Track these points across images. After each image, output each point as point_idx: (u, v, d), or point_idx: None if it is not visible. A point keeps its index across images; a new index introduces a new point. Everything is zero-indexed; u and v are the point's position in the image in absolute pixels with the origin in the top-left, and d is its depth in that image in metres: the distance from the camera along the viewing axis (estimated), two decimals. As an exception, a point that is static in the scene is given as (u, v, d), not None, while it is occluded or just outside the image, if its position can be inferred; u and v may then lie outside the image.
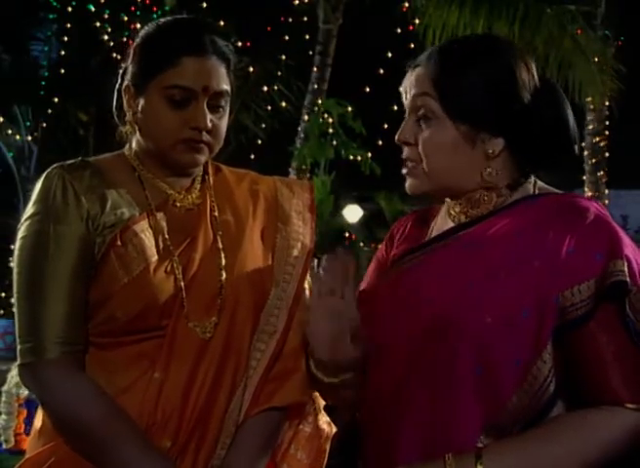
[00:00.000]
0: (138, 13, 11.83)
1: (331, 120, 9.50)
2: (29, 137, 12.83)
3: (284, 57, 12.35)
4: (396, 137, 1.48)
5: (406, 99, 1.48)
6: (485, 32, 8.28)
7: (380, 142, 10.69)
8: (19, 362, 1.54)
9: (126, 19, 11.75)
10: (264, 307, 1.63)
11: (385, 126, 11.23)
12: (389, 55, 11.64)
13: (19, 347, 1.53)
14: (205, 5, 11.39)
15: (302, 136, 10.34)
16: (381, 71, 11.73)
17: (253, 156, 11.25)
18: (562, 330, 1.34)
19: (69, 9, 12.20)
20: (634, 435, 1.31)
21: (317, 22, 10.76)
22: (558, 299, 1.33)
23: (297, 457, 1.70)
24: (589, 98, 10.34)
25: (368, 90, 11.43)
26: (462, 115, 1.41)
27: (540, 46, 9.35)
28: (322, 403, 1.73)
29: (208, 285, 1.59)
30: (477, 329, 1.34)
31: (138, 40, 1.63)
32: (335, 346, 1.43)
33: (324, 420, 1.73)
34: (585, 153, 11.07)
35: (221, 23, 9.27)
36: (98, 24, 11.90)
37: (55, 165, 1.59)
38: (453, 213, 1.51)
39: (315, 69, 10.67)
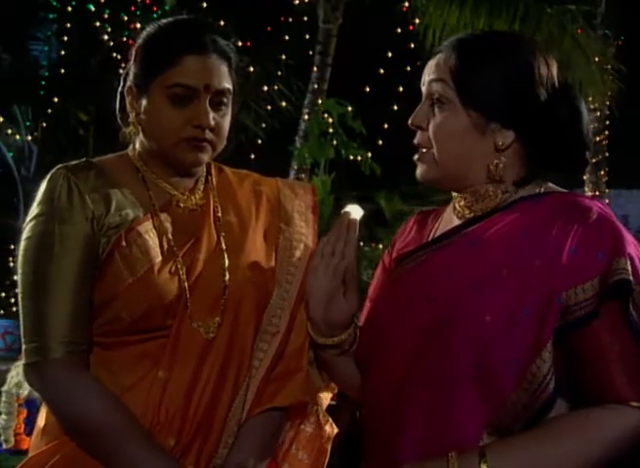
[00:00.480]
0: (138, 13, 11.83)
1: (331, 120, 9.48)
2: (29, 137, 12.83)
3: (284, 56, 12.34)
4: (409, 121, 1.50)
5: (423, 85, 1.49)
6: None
7: (380, 142, 10.69)
8: (23, 361, 1.55)
9: (126, 18, 11.74)
10: (268, 307, 1.64)
11: (385, 126, 11.23)
12: (389, 54, 11.65)
13: (23, 347, 1.55)
14: (205, 5, 11.38)
15: (302, 135, 10.33)
16: (381, 71, 11.73)
17: (253, 156, 11.24)
18: (565, 329, 1.34)
19: (69, 9, 12.19)
20: (638, 433, 1.31)
21: (317, 22, 10.75)
22: (561, 299, 1.33)
23: (298, 457, 1.70)
24: (589, 98, 10.34)
25: (368, 90, 11.42)
26: (474, 102, 1.43)
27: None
28: (324, 403, 1.73)
29: (211, 285, 1.60)
30: (477, 327, 1.35)
31: (139, 41, 1.64)
32: (330, 304, 1.45)
33: (325, 421, 1.74)
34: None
35: (221, 23, 9.27)
36: (98, 24, 11.90)
37: (59, 165, 1.60)
38: (457, 207, 1.52)
39: (315, 69, 10.66)
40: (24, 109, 12.71)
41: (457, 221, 1.52)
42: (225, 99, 1.61)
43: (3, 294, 11.21)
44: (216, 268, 1.62)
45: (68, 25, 12.44)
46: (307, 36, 11.61)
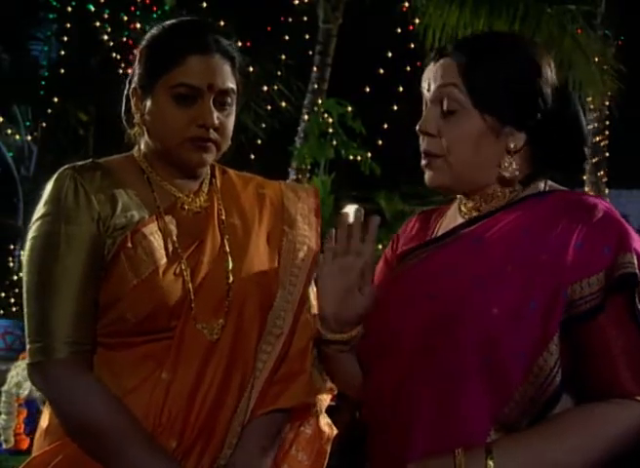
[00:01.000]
0: (137, 13, 11.83)
1: (331, 120, 9.48)
2: (29, 137, 12.83)
3: (284, 56, 12.34)
4: (418, 127, 1.49)
5: (428, 91, 1.48)
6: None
7: (380, 142, 10.68)
8: (27, 361, 1.56)
9: (126, 18, 11.74)
10: (272, 309, 1.64)
11: (385, 126, 11.23)
12: (389, 54, 11.65)
13: (28, 346, 1.55)
14: (205, 5, 11.39)
15: (302, 135, 10.33)
16: (381, 71, 11.73)
17: (253, 156, 11.24)
18: (571, 322, 1.34)
19: (69, 9, 12.19)
20: None
21: (317, 22, 10.75)
22: (567, 292, 1.34)
23: (297, 458, 1.70)
24: (589, 98, 10.34)
25: (368, 90, 11.42)
26: (491, 107, 1.42)
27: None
28: (324, 405, 1.74)
29: (215, 287, 1.61)
30: (484, 321, 1.35)
31: (143, 42, 1.64)
32: (344, 300, 1.45)
33: (325, 422, 1.74)
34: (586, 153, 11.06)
35: (221, 23, 9.28)
36: (97, 24, 11.90)
37: (66, 166, 1.60)
38: (464, 209, 1.51)
39: (315, 69, 10.66)
40: (24, 109, 12.72)
41: (460, 220, 1.52)
42: (229, 99, 1.61)
43: (3, 294, 11.22)
44: (220, 270, 1.62)
45: (68, 25, 12.44)
46: (307, 36, 11.61)
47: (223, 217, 1.68)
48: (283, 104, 12.46)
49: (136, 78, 1.64)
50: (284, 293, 1.67)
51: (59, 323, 1.52)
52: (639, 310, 1.33)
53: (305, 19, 11.68)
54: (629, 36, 11.14)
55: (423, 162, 1.50)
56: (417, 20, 10.03)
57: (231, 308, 1.61)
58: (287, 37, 12.20)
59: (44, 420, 1.63)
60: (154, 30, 1.65)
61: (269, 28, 12.21)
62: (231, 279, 1.62)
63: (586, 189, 10.92)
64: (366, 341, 1.51)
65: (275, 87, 12.49)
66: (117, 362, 1.58)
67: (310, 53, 10.98)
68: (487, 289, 1.38)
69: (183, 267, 1.59)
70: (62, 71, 12.42)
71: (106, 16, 11.87)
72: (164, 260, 1.57)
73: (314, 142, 9.51)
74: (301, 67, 11.49)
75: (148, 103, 1.60)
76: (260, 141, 12.44)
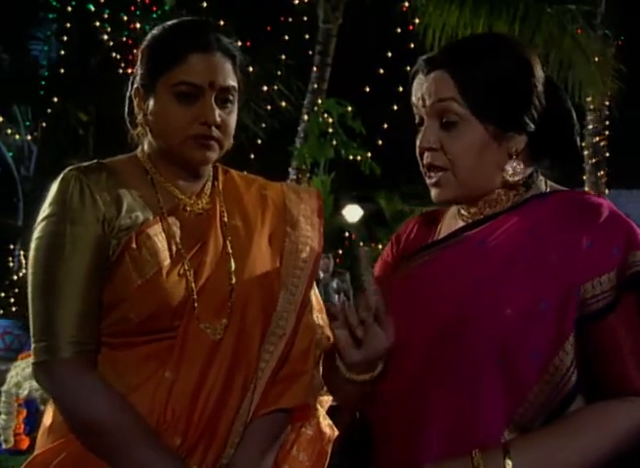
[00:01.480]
0: (137, 12, 11.84)
1: (331, 120, 9.50)
2: (29, 137, 12.85)
3: (284, 56, 12.35)
4: (419, 145, 1.47)
5: (424, 106, 1.46)
6: (485, 32, 8.29)
7: (380, 142, 10.70)
8: (32, 360, 1.55)
9: (126, 18, 11.76)
10: (275, 310, 1.64)
11: (385, 126, 11.24)
12: (389, 54, 11.66)
13: (32, 346, 1.55)
14: (205, 5, 11.40)
15: (302, 135, 10.34)
16: (381, 71, 11.74)
17: (253, 156, 11.25)
18: (582, 322, 1.34)
19: (69, 8, 12.21)
20: None
21: (317, 22, 10.76)
22: (579, 292, 1.34)
23: (298, 459, 1.70)
24: (589, 98, 10.35)
25: (368, 90, 11.43)
26: (491, 115, 1.41)
27: (541, 46, 9.35)
28: (325, 406, 1.73)
29: (218, 288, 1.60)
30: (497, 322, 1.35)
31: (144, 42, 1.64)
32: (364, 346, 1.42)
33: (326, 423, 1.74)
34: (585, 153, 11.08)
35: (221, 23, 9.28)
36: (97, 24, 11.91)
37: (71, 167, 1.60)
38: (466, 214, 1.50)
39: (315, 69, 10.67)
40: (24, 109, 12.74)
41: (461, 223, 1.52)
42: (231, 97, 1.61)
43: (3, 294, 11.22)
44: (222, 271, 1.62)
45: (68, 25, 12.46)
46: (307, 36, 11.62)
47: (226, 219, 1.68)
48: (283, 104, 12.47)
49: (138, 78, 1.64)
50: (286, 294, 1.67)
51: (63, 322, 1.52)
52: None
53: (305, 18, 11.69)
54: (629, 36, 11.14)
55: (430, 180, 1.48)
56: (417, 20, 10.05)
57: (234, 309, 1.61)
58: (287, 37, 12.22)
59: (47, 418, 1.63)
60: (155, 30, 1.65)
61: (269, 28, 12.23)
62: (234, 280, 1.62)
63: (586, 189, 10.92)
64: (391, 329, 1.50)
65: (275, 87, 12.51)
66: (121, 361, 1.58)
67: (310, 53, 11.00)
68: (497, 290, 1.37)
69: (187, 268, 1.59)
70: (62, 71, 12.44)
71: (106, 15, 11.89)
72: (168, 261, 1.57)
73: (314, 142, 9.53)
74: (301, 67, 11.51)
75: (151, 103, 1.60)
76: (259, 141, 12.45)
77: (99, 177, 1.58)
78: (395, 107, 11.13)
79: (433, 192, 1.48)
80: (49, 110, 12.40)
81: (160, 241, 1.57)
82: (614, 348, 1.33)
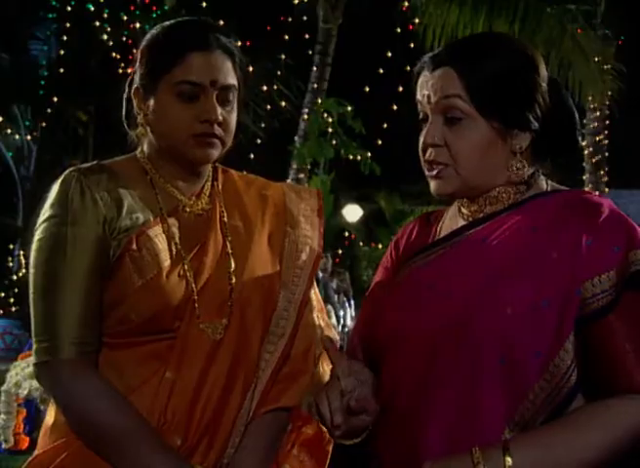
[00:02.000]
0: (137, 12, 11.84)
1: (330, 119, 9.50)
2: (29, 137, 12.85)
3: (284, 56, 12.36)
4: (422, 140, 1.46)
5: (429, 102, 1.45)
6: (486, 31, 8.29)
7: (380, 142, 10.70)
8: (34, 361, 1.56)
9: (125, 18, 11.76)
10: (276, 310, 1.64)
11: (385, 126, 11.24)
12: (389, 54, 11.66)
13: (34, 346, 1.55)
14: (205, 4, 11.40)
15: (302, 135, 10.34)
16: (381, 71, 11.74)
17: (253, 156, 11.25)
18: (583, 321, 1.34)
19: (69, 8, 12.21)
20: None
21: (317, 22, 10.76)
22: (580, 290, 1.34)
23: (299, 458, 1.70)
24: (590, 98, 10.36)
25: (368, 90, 11.43)
26: (496, 113, 1.42)
27: (541, 45, 9.34)
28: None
29: (218, 289, 1.61)
30: (498, 321, 1.35)
31: (143, 43, 1.64)
32: (350, 419, 1.41)
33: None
34: (586, 153, 11.09)
35: (221, 23, 9.28)
36: (97, 24, 11.91)
37: (72, 168, 1.60)
38: (466, 212, 1.50)
39: (315, 69, 10.67)
40: (24, 109, 12.73)
41: (462, 222, 1.52)
42: (231, 95, 1.62)
43: (2, 294, 11.24)
44: (222, 272, 1.62)
45: (68, 25, 12.46)
46: (307, 36, 11.62)
47: (225, 219, 1.68)
48: (283, 104, 12.47)
49: (137, 78, 1.64)
50: (286, 294, 1.66)
51: (65, 323, 1.52)
52: None
53: (305, 18, 11.68)
54: (629, 36, 11.14)
55: (431, 173, 1.48)
56: (417, 20, 10.05)
57: (234, 309, 1.61)
58: (287, 37, 12.22)
59: (49, 418, 1.63)
60: (154, 30, 1.65)
61: (269, 28, 12.23)
62: (234, 280, 1.62)
63: (586, 189, 10.92)
64: (377, 345, 1.51)
65: (275, 87, 12.51)
66: (121, 361, 1.58)
67: (310, 52, 10.99)
68: (499, 288, 1.37)
69: (187, 269, 1.59)
70: (62, 71, 12.44)
71: (106, 15, 11.89)
72: (168, 262, 1.57)
73: (314, 142, 9.53)
74: (301, 67, 11.51)
75: (151, 103, 1.60)
76: (259, 141, 12.45)
77: (99, 179, 1.58)
78: (395, 107, 11.14)
79: (433, 185, 1.47)
80: (49, 110, 12.40)
81: (160, 242, 1.58)
82: (615, 346, 1.33)
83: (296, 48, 12.02)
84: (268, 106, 12.55)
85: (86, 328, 1.53)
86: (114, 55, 11.22)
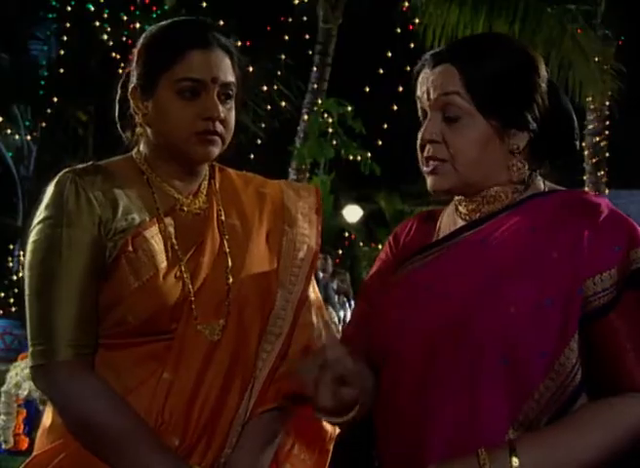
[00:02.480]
0: (137, 12, 11.85)
1: (331, 120, 9.50)
2: (28, 137, 12.84)
3: (284, 56, 12.35)
4: (421, 136, 1.47)
5: (428, 99, 1.46)
6: (486, 31, 8.28)
7: (380, 142, 10.70)
8: (30, 363, 1.55)
9: (125, 18, 11.76)
10: (273, 309, 1.64)
11: (385, 126, 11.24)
12: (389, 54, 11.66)
13: (30, 349, 1.55)
14: (205, 4, 11.40)
15: (302, 135, 10.33)
16: (381, 71, 11.74)
17: (253, 156, 11.25)
18: (585, 320, 1.34)
19: (69, 8, 12.21)
20: None
21: (317, 22, 10.76)
22: (582, 289, 1.34)
23: (300, 458, 1.70)
24: (589, 98, 10.36)
25: (368, 90, 11.43)
26: (495, 111, 1.42)
27: (541, 45, 9.34)
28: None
29: (216, 289, 1.60)
30: (501, 322, 1.35)
31: (141, 41, 1.64)
32: (337, 390, 1.41)
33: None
34: (585, 153, 11.09)
35: (221, 23, 9.27)
36: (97, 24, 11.91)
37: (67, 169, 1.60)
38: (464, 211, 1.50)
39: (315, 69, 10.66)
40: (24, 109, 12.73)
41: (460, 222, 1.52)
42: (231, 93, 1.62)
43: (2, 295, 11.23)
44: (219, 272, 1.62)
45: (68, 25, 12.45)
46: (307, 36, 11.61)
47: (223, 218, 1.68)
48: (283, 104, 12.47)
49: (134, 78, 1.63)
50: (284, 293, 1.66)
51: (61, 325, 1.52)
52: None
53: (305, 18, 11.68)
54: (629, 36, 11.14)
55: (428, 168, 1.48)
56: (417, 20, 10.04)
57: (231, 308, 1.61)
58: (287, 37, 12.21)
59: (46, 419, 1.63)
60: (152, 29, 1.65)
61: (269, 28, 12.23)
62: (231, 279, 1.62)
63: (586, 189, 10.92)
64: (376, 346, 1.50)
65: (275, 87, 12.51)
66: (118, 362, 1.57)
67: (310, 53, 10.99)
68: (501, 288, 1.37)
69: (183, 270, 1.58)
70: (62, 71, 12.43)
71: (106, 15, 11.89)
72: (164, 263, 1.57)
73: (314, 142, 9.53)
74: (301, 67, 11.50)
75: (151, 102, 1.60)
76: (259, 141, 12.45)
77: (94, 179, 1.57)
78: (395, 107, 11.14)
79: (429, 181, 1.47)
80: (48, 110, 12.40)
81: (157, 243, 1.57)
82: (616, 345, 1.33)
83: (296, 48, 12.01)
84: (268, 106, 12.54)
85: (82, 329, 1.52)
86: (114, 55, 11.21)
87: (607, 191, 11.26)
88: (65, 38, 12.52)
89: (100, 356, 1.56)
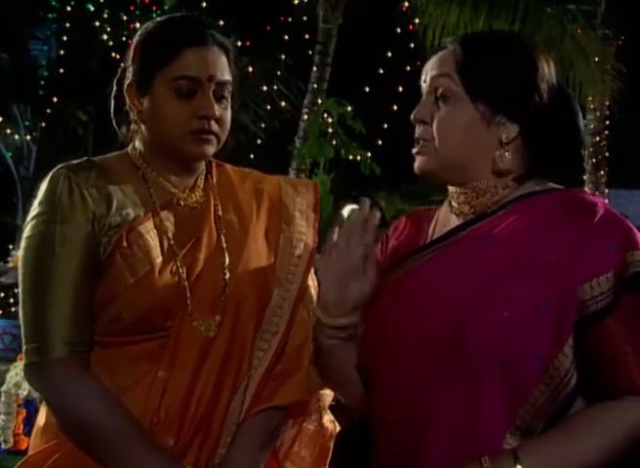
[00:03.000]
0: (137, 12, 11.82)
1: (330, 120, 9.48)
2: (28, 137, 12.82)
3: (283, 56, 12.33)
4: (412, 116, 1.50)
5: (424, 81, 1.50)
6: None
7: (380, 142, 10.68)
8: (24, 362, 1.55)
9: (125, 18, 11.74)
10: (268, 307, 1.64)
11: (385, 126, 11.22)
12: (389, 54, 11.64)
13: (24, 347, 1.55)
14: (205, 4, 11.38)
15: (302, 135, 10.32)
16: (381, 71, 11.73)
17: (252, 156, 11.23)
18: (582, 324, 1.34)
19: (68, 8, 12.19)
20: None
21: (317, 22, 10.74)
22: (578, 293, 1.34)
23: (300, 455, 1.70)
24: (589, 98, 10.35)
25: (368, 90, 11.41)
26: (482, 93, 1.43)
27: (541, 45, 9.30)
28: (327, 401, 1.73)
29: (212, 284, 1.60)
30: (497, 324, 1.34)
31: (137, 38, 1.64)
32: (344, 285, 1.43)
33: (328, 418, 1.74)
34: (585, 153, 11.05)
35: (221, 23, 9.27)
36: (97, 24, 11.89)
37: (60, 165, 1.59)
38: (455, 204, 1.51)
39: (315, 69, 10.64)
40: (23, 109, 12.71)
41: (455, 221, 1.51)
42: (227, 92, 1.62)
43: (2, 294, 11.21)
44: (216, 267, 1.62)
45: (68, 25, 12.43)
46: (307, 36, 11.59)
47: (220, 213, 1.68)
48: (283, 104, 12.45)
49: (130, 75, 1.63)
50: (281, 291, 1.66)
51: (54, 323, 1.52)
52: None
53: (305, 18, 11.66)
54: (629, 36, 11.13)
55: (415, 149, 1.51)
56: (417, 20, 10.03)
57: (228, 305, 1.61)
58: (287, 37, 12.19)
59: (41, 418, 1.63)
60: (147, 26, 1.65)
61: (269, 28, 12.21)
62: (227, 275, 1.62)
63: (586, 189, 10.92)
64: (372, 348, 1.50)
65: (275, 87, 12.49)
66: (113, 360, 1.57)
67: (310, 52, 10.97)
68: (495, 291, 1.37)
69: (179, 265, 1.58)
70: (62, 71, 12.41)
71: (106, 15, 11.87)
72: (160, 259, 1.57)
73: (314, 142, 9.50)
74: (301, 67, 11.48)
75: (147, 99, 1.60)
76: (259, 141, 12.43)
77: (88, 175, 1.57)
78: (395, 107, 11.11)
79: (416, 161, 1.50)
80: (48, 110, 12.37)
81: (152, 238, 1.57)
82: (615, 349, 1.33)
83: (296, 48, 11.99)
84: (268, 106, 12.52)
85: (76, 327, 1.52)
86: (114, 55, 11.20)
87: (607, 191, 11.25)
88: (65, 38, 12.50)
89: (95, 354, 1.56)
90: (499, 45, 1.47)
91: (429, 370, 1.39)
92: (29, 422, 5.42)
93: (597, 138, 11.10)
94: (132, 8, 11.81)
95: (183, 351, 1.57)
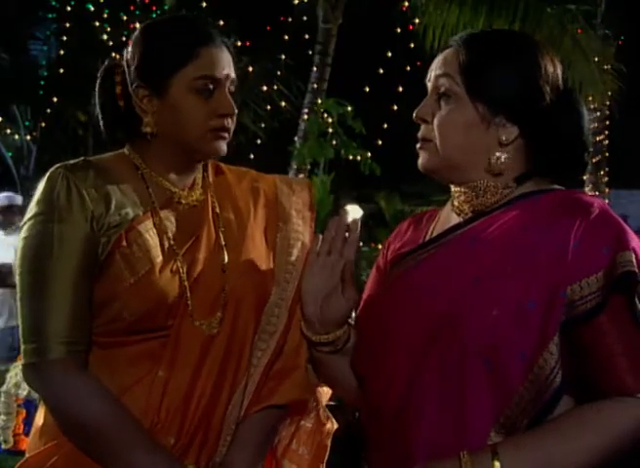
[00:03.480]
0: (137, 12, 11.82)
1: (330, 120, 9.47)
2: (28, 137, 12.82)
3: (283, 56, 12.33)
4: (414, 114, 1.51)
5: (429, 80, 1.51)
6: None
7: (380, 142, 10.67)
8: (22, 362, 1.54)
9: (125, 18, 11.74)
10: (266, 306, 1.64)
11: (385, 126, 11.22)
12: (389, 54, 11.64)
13: (22, 347, 1.54)
14: (205, 4, 11.38)
15: (302, 135, 10.32)
16: (381, 71, 11.72)
17: (252, 156, 11.23)
18: (571, 323, 1.34)
19: (68, 8, 12.19)
20: None
21: (317, 22, 10.74)
22: (566, 293, 1.34)
23: (298, 452, 1.71)
24: (590, 98, 10.34)
25: (368, 90, 11.41)
26: (482, 94, 1.43)
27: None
28: (324, 399, 1.74)
29: (211, 283, 1.61)
30: (484, 322, 1.35)
31: (142, 41, 1.62)
32: (326, 301, 1.46)
33: (325, 416, 1.74)
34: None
35: (221, 23, 9.27)
36: (97, 24, 11.89)
37: (58, 165, 1.59)
38: (456, 203, 1.51)
39: (315, 69, 10.64)
40: (23, 109, 12.71)
41: (455, 220, 1.52)
42: (234, 89, 1.64)
43: (2, 294, 11.20)
44: (215, 266, 1.62)
45: (68, 25, 12.43)
46: (307, 36, 11.59)
47: (218, 211, 1.68)
48: (283, 104, 12.45)
49: (135, 77, 1.62)
50: (279, 290, 1.67)
51: (53, 323, 1.51)
52: (639, 308, 1.33)
53: (305, 18, 11.66)
54: (629, 36, 11.13)
55: (418, 145, 1.51)
56: (416, 20, 10.03)
57: (228, 302, 1.61)
58: (287, 37, 12.19)
59: (39, 419, 1.62)
60: (153, 27, 1.64)
61: (269, 28, 12.21)
62: (227, 273, 1.62)
63: (586, 189, 10.92)
64: (366, 346, 1.51)
65: (275, 87, 12.49)
66: (114, 360, 1.57)
67: (310, 52, 10.97)
68: (486, 289, 1.38)
69: (179, 264, 1.58)
70: (62, 71, 12.41)
71: (106, 15, 11.87)
72: (160, 258, 1.57)
73: (314, 142, 9.50)
74: (301, 67, 11.48)
75: (161, 100, 1.58)
76: (259, 141, 12.43)
77: (86, 175, 1.57)
78: (395, 107, 11.11)
79: (419, 159, 1.51)
80: (48, 110, 12.37)
81: (152, 237, 1.57)
82: (604, 350, 1.33)
83: (296, 48, 11.99)
84: (268, 106, 12.52)
85: (75, 327, 1.52)
86: (114, 55, 11.20)
87: (607, 191, 11.25)
88: (65, 38, 12.50)
89: (96, 354, 1.56)
90: (502, 46, 1.47)
91: (419, 368, 1.40)
92: (29, 422, 5.42)
93: (597, 138, 11.09)
94: (132, 8, 11.80)
95: (184, 350, 1.57)
